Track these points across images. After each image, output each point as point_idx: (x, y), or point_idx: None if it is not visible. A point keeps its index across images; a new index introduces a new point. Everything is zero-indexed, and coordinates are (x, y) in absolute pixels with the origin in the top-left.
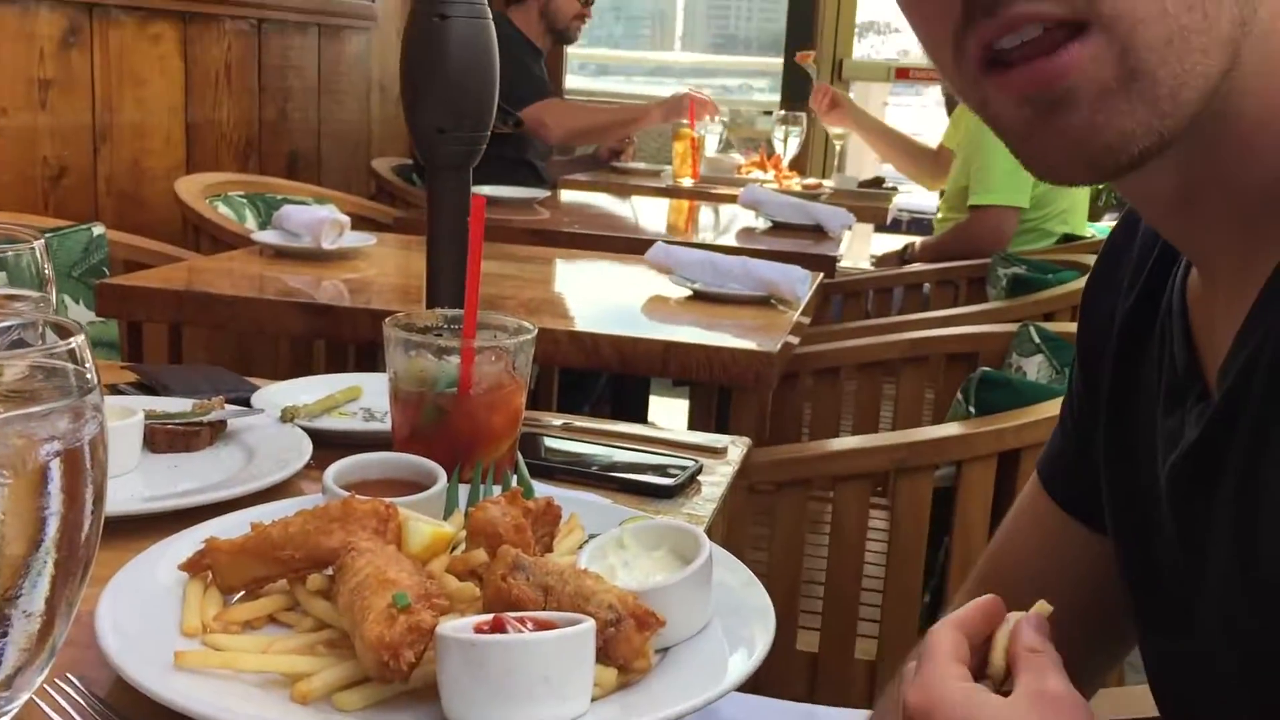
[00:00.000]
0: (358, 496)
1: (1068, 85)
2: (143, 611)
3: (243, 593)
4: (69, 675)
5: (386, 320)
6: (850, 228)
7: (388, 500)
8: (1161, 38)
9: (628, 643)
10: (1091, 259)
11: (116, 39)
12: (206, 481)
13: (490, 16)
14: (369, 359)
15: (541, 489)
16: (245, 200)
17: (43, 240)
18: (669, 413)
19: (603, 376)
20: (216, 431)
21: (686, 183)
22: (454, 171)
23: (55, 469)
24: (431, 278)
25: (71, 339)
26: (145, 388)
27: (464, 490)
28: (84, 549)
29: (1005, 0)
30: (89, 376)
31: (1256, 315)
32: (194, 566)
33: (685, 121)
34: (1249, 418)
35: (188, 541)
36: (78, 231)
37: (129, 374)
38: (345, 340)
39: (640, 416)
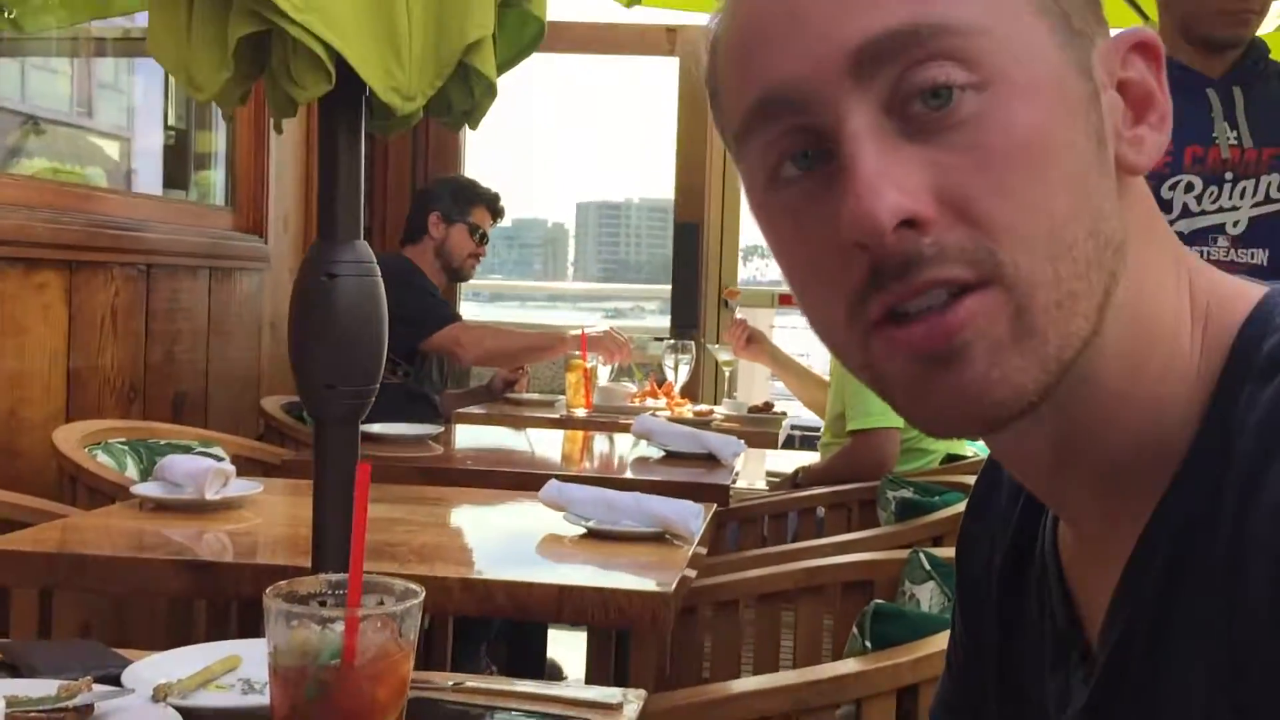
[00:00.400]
0: None
1: (963, 339)
2: None
3: None
4: None
5: (267, 591)
6: (740, 455)
7: None
8: (1053, 300)
9: None
10: (974, 479)
11: None
12: None
13: (379, 274)
14: (253, 617)
15: None
16: (126, 447)
17: None
18: (568, 648)
19: None
20: (83, 717)
21: (580, 413)
22: (342, 426)
23: None
24: (318, 537)
25: None
26: (9, 667)
27: None
28: None
29: (916, 266)
30: None
31: (1129, 583)
32: None
33: (577, 352)
34: (1132, 686)
35: None
36: None
37: None
38: (228, 598)
39: (539, 654)
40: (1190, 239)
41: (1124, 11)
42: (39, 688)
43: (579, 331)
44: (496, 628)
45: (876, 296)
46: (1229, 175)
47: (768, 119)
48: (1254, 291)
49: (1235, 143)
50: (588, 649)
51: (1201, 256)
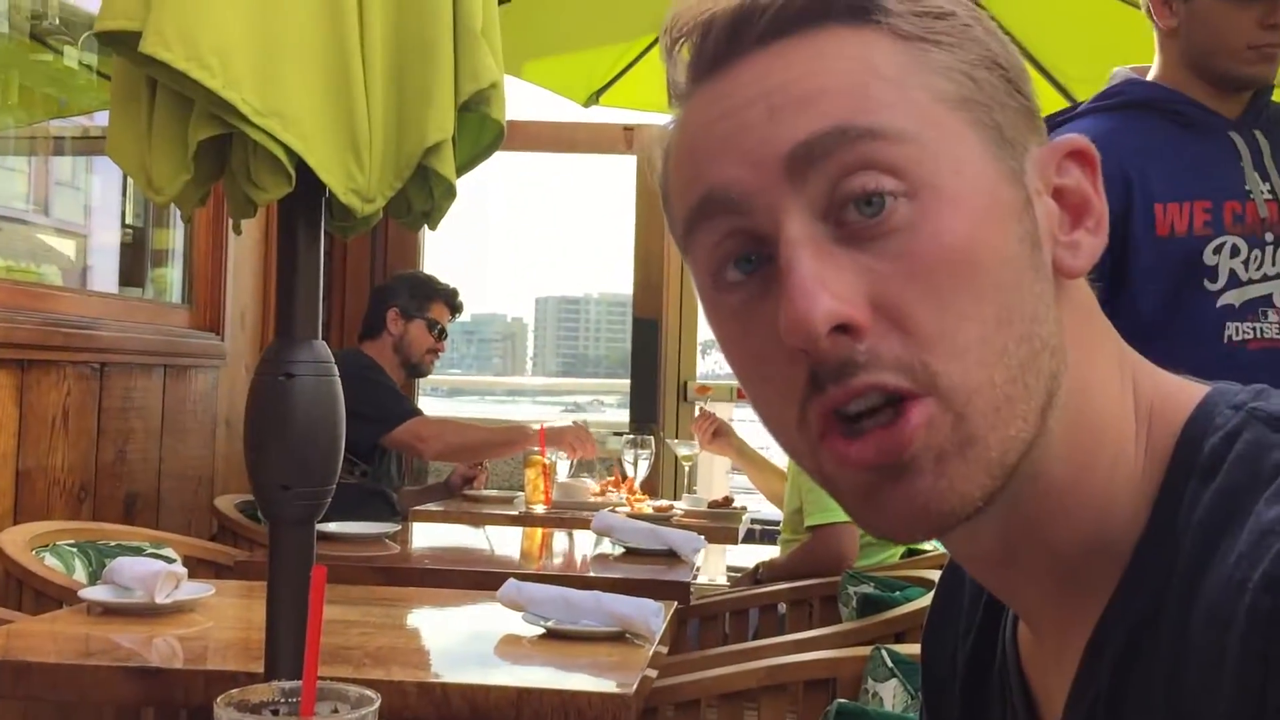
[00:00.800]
0: None
1: (912, 452)
2: None
3: None
4: None
5: (218, 700)
6: (701, 551)
7: None
8: (991, 405)
9: None
10: (935, 574)
11: None
12: None
13: (337, 374)
14: None
15: None
16: (75, 549)
17: None
18: None
19: None
20: None
21: (539, 509)
22: (297, 528)
23: None
24: (271, 642)
25: None
26: None
27: None
28: None
29: (851, 370)
30: None
31: (1083, 682)
32: None
33: (537, 448)
34: None
35: None
36: None
37: None
38: (177, 706)
39: None
40: (1241, 312)
41: (1048, 92)
42: None
43: (539, 426)
44: None
45: (816, 400)
46: (1269, 236)
47: (709, 218)
48: (1196, 390)
49: (1270, 196)
50: None
51: (1254, 335)
